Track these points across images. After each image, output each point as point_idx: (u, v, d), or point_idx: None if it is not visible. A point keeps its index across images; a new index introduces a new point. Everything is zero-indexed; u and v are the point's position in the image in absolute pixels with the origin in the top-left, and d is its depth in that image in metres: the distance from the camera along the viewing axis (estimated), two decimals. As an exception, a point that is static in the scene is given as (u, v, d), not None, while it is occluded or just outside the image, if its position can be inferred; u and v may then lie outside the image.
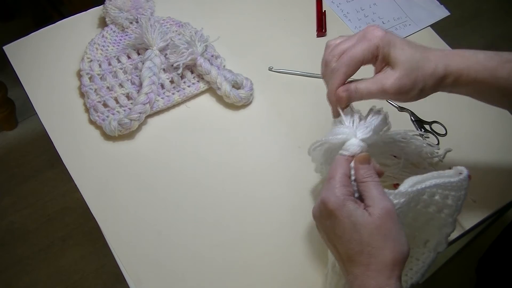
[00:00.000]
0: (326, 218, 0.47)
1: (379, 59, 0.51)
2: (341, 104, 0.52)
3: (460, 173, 0.52)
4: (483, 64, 0.50)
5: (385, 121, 0.54)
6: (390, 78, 0.49)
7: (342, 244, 0.45)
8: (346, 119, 0.52)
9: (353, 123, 0.52)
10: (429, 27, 0.86)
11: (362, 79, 0.51)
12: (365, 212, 0.45)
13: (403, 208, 0.49)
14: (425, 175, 0.51)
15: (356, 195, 0.48)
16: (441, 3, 0.89)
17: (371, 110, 0.54)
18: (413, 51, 0.50)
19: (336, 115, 0.53)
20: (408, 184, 0.50)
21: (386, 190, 0.48)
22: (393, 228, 0.44)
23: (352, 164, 0.49)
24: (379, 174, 0.50)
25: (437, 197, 0.52)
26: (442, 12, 0.88)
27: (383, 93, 0.50)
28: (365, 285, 0.43)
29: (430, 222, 0.55)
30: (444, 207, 0.53)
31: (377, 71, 0.52)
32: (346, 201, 0.45)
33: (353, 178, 0.48)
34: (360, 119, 0.52)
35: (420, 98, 0.51)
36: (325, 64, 0.53)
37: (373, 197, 0.46)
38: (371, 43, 0.50)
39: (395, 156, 0.64)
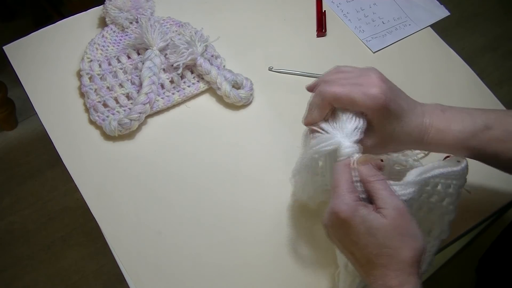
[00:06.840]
0: (338, 227, 0.47)
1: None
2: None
3: (459, 161, 0.52)
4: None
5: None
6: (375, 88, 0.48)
7: (359, 250, 0.45)
8: (328, 126, 0.50)
9: (340, 129, 0.49)
10: (429, 27, 0.86)
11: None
12: (377, 215, 0.45)
13: (411, 200, 0.48)
14: (427, 166, 0.51)
15: (362, 195, 0.47)
16: (441, 3, 0.89)
17: (348, 113, 0.51)
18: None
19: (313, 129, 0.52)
20: (414, 175, 0.49)
21: (392, 182, 0.47)
22: (408, 226, 0.44)
23: (355, 166, 0.48)
24: (380, 169, 0.49)
25: (439, 187, 0.52)
26: (442, 12, 0.88)
27: (351, 101, 0.49)
28: (387, 285, 0.43)
29: (432, 211, 0.55)
30: (446, 196, 0.53)
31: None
32: (357, 206, 0.45)
33: (356, 179, 0.47)
34: (342, 123, 0.50)
35: (397, 136, 0.51)
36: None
37: (383, 197, 0.45)
38: (374, 102, 0.49)
39: (381, 160, 0.63)
